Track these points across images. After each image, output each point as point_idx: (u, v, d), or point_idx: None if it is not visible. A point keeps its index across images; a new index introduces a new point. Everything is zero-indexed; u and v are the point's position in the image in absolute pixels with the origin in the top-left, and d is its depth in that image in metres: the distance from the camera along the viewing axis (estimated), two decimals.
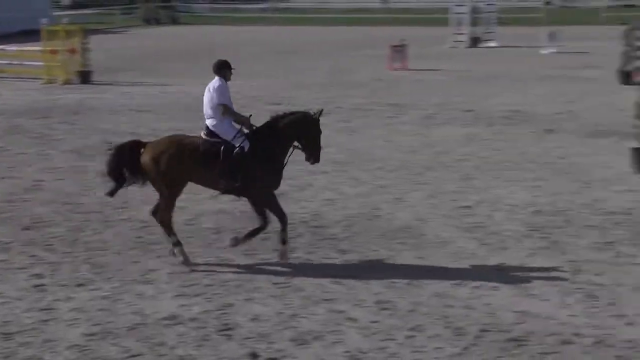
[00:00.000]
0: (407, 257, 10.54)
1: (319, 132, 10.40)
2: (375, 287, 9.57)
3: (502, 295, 9.29)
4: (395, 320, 8.69)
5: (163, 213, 10.34)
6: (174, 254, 10.39)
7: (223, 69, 10.37)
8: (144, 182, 10.45)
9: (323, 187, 13.94)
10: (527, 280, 9.71)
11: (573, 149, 16.52)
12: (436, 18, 47.33)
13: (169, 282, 9.81)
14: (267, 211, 10.38)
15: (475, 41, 37.75)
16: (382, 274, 9.98)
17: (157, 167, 10.09)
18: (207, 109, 10.33)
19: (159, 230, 11.78)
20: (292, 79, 27.79)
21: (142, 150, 10.26)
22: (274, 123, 10.28)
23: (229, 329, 8.53)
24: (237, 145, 10.09)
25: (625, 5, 53.44)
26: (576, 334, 8.26)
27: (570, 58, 31.54)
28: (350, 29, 49.80)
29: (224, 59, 10.50)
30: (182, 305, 9.10)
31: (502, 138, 17.81)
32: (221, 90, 10.24)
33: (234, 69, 10.53)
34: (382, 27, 48.14)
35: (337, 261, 10.42)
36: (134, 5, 63.54)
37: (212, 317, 8.81)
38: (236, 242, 10.47)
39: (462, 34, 38.16)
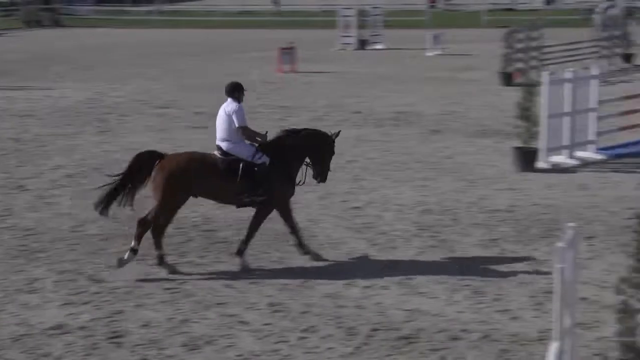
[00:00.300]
0: (299, 259, 10.57)
1: (333, 153, 10.71)
2: (268, 290, 9.57)
3: (392, 294, 9.44)
4: (288, 322, 8.71)
5: (159, 225, 10.07)
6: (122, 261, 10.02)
7: (236, 91, 10.49)
8: (133, 196, 10.15)
9: None
10: (417, 278, 9.88)
11: (458, 149, 16.92)
12: (324, 21, 47.70)
13: (55, 290, 9.56)
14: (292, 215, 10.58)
15: (362, 44, 38.22)
16: (274, 276, 9.99)
17: (173, 181, 9.91)
18: (222, 133, 10.33)
19: (44, 237, 11.47)
20: (180, 82, 27.50)
21: (159, 161, 10.07)
22: (291, 138, 10.49)
23: (119, 336, 8.37)
24: (258, 162, 10.20)
25: (505, 9, 55.10)
26: (464, 330, 8.46)
27: (454, 60, 32.28)
28: (239, 31, 49.62)
29: (236, 81, 10.64)
30: (70, 314, 8.87)
31: (390, 139, 18.09)
32: (240, 113, 10.32)
33: (247, 90, 10.69)
34: (271, 30, 48.15)
35: (229, 264, 10.36)
36: (14, 7, 61.63)
37: (101, 325, 8.63)
38: (306, 251, 10.53)
39: (349, 36, 38.58)
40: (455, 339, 8.28)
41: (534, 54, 26.21)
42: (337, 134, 10.68)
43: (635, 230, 6.54)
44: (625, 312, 6.55)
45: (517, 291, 9.45)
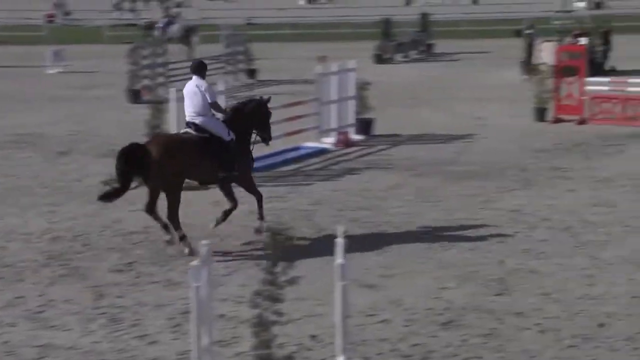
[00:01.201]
0: None
1: (270, 114, 12.00)
2: None
3: (20, 331, 8.79)
4: None
5: (172, 209, 10.70)
6: (170, 243, 10.88)
7: (203, 69, 11.36)
8: (140, 183, 10.93)
9: None
10: (48, 311, 9.31)
11: (88, 170, 16.30)
12: None
13: None
14: (235, 193, 11.45)
15: None
16: None
17: (170, 163, 10.54)
18: (195, 108, 11.11)
19: None
20: None
21: (144, 150, 10.52)
22: (242, 113, 11.54)
23: None
24: (229, 138, 11.07)
25: (128, 25, 54.74)
26: None
27: (77, 77, 31.28)
28: None
29: (200, 58, 11.75)
30: None
31: (13, 163, 17.02)
32: (212, 90, 11.36)
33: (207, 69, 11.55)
34: None
35: None
36: None
37: None
38: (217, 222, 11.42)
39: None
40: None
41: (160, 70, 26.28)
42: (269, 99, 11.93)
43: (266, 244, 6.64)
44: (260, 325, 6.63)
45: (154, 315, 9.23)
